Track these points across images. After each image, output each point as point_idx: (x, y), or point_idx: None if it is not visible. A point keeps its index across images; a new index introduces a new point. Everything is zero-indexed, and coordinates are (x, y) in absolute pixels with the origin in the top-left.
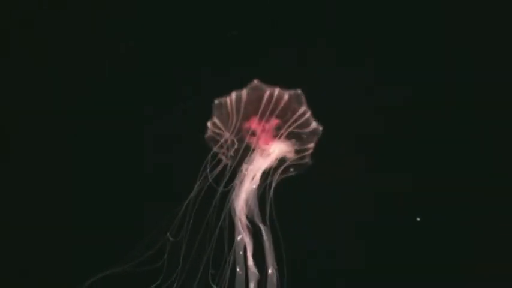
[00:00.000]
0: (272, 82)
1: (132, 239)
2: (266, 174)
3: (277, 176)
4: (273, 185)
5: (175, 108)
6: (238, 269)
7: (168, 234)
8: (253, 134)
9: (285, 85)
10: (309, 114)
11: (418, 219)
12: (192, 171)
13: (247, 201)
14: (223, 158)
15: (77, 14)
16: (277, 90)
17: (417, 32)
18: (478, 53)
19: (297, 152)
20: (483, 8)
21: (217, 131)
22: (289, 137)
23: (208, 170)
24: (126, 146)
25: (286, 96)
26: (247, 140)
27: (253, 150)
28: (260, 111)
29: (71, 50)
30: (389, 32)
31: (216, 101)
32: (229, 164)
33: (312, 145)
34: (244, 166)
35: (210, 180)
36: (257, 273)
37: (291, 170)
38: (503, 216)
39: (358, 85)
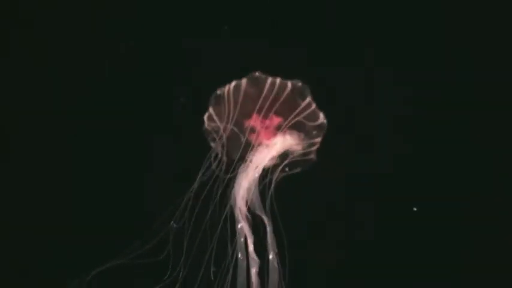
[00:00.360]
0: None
1: (135, 237)
2: (268, 169)
3: (279, 171)
4: (275, 179)
5: (175, 108)
6: (239, 256)
7: (172, 222)
8: (254, 130)
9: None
10: (314, 106)
11: (415, 209)
12: (192, 170)
13: (249, 191)
14: (220, 153)
15: (77, 14)
16: (278, 80)
17: (417, 31)
18: (478, 53)
19: (302, 146)
20: (483, 8)
21: (213, 124)
22: (294, 129)
23: (209, 164)
24: (126, 146)
25: (289, 86)
26: (248, 136)
27: (255, 145)
28: (260, 102)
29: (71, 50)
30: (389, 31)
31: (216, 92)
32: (226, 158)
33: (318, 140)
34: (247, 157)
35: (214, 172)
36: (258, 260)
37: (287, 169)
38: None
39: (359, 84)
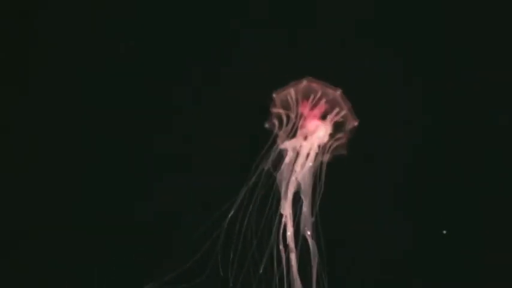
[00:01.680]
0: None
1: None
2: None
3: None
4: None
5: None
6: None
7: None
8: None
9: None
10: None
11: (444, 232)
12: (193, 169)
13: (296, 180)
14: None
15: (77, 14)
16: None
17: (417, 30)
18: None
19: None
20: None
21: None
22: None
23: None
24: (126, 146)
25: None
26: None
27: (299, 127)
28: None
29: (71, 50)
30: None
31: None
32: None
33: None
34: (289, 144)
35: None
36: (294, 248)
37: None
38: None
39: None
